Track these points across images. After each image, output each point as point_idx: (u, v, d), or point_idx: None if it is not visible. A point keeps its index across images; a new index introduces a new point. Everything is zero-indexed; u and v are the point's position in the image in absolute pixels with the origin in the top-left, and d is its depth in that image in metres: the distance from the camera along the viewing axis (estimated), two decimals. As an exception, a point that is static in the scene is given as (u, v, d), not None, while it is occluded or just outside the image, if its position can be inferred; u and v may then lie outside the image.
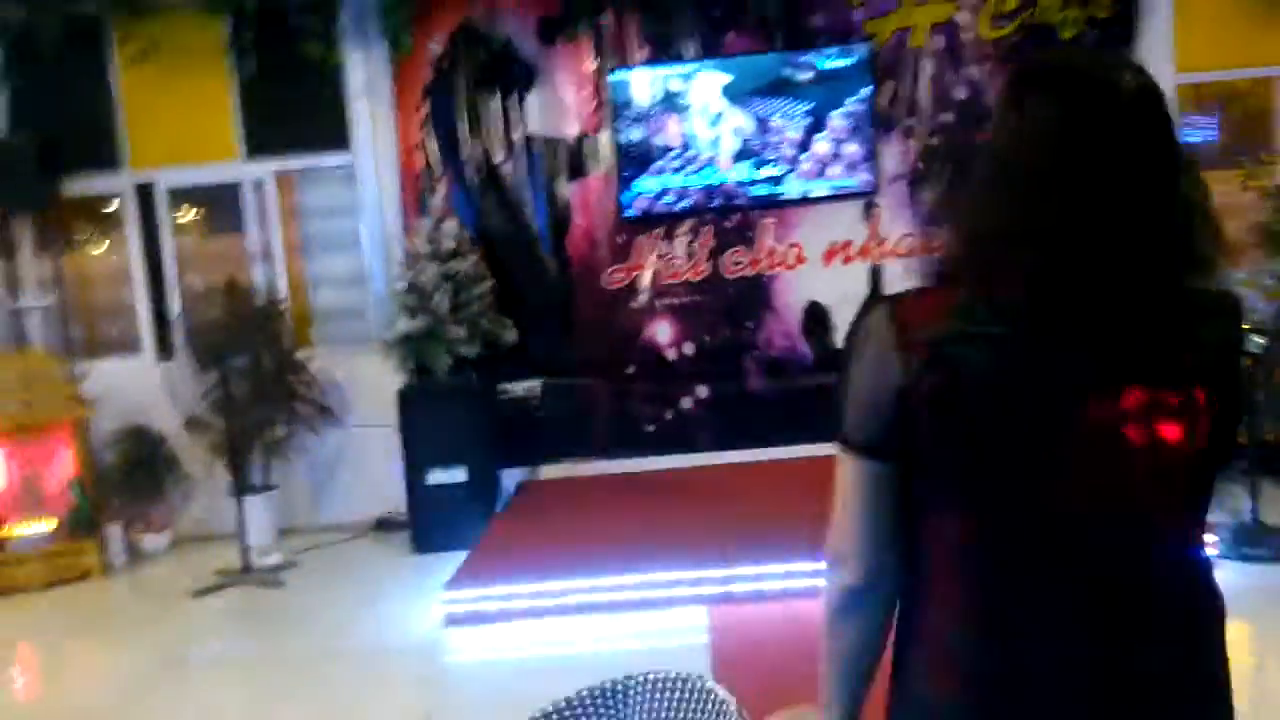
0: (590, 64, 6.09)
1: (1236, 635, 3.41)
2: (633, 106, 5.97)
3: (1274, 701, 3.33)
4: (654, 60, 6.03)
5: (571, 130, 6.12)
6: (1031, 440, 1.13)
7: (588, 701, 1.77)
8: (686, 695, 1.72)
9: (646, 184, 5.99)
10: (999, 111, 1.20)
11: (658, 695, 1.73)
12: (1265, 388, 4.82)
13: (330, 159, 6.20)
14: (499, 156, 6.10)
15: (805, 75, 5.89)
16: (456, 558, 4.91)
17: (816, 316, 6.07)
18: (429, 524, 5.54)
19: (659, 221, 6.08)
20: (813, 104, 5.90)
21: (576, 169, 6.12)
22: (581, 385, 6.12)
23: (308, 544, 5.79)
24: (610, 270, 6.13)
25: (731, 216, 6.07)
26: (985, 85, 5.98)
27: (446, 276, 5.62)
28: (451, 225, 5.80)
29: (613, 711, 1.76)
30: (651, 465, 6.04)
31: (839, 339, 6.06)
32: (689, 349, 6.13)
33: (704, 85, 5.95)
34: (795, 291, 6.09)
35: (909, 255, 6.03)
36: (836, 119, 5.91)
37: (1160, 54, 5.92)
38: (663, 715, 1.70)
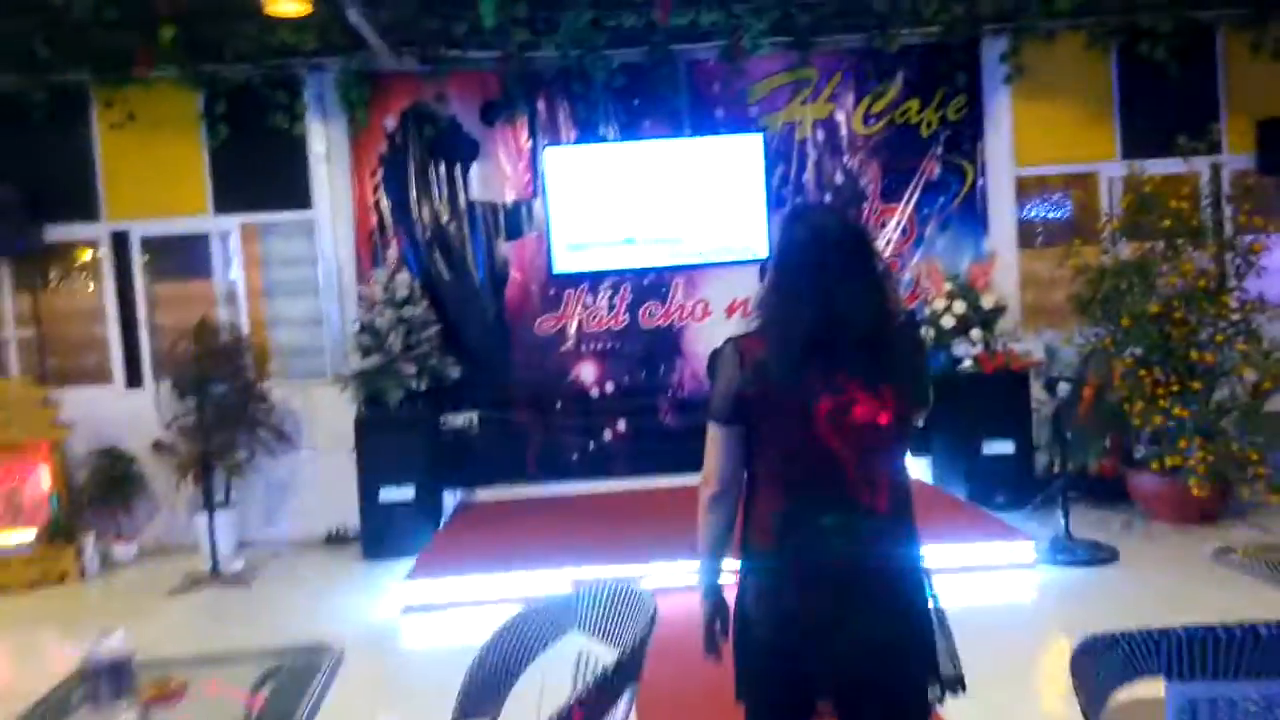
0: (526, 141, 7.05)
1: (1048, 623, 4.43)
2: (562, 177, 6.93)
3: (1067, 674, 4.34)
4: (581, 139, 7.02)
5: (509, 197, 7.06)
6: (802, 414, 2.11)
7: (548, 605, 2.65)
8: (619, 595, 2.61)
9: (575, 245, 6.94)
10: (779, 234, 2.23)
11: (600, 596, 2.62)
12: (1070, 427, 5.94)
13: (292, 215, 7.00)
14: (445, 218, 7.00)
15: (712, 159, 6.95)
16: (404, 564, 5.70)
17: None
18: (379, 536, 6.31)
19: (585, 278, 7.03)
20: (718, 183, 6.95)
21: (513, 230, 7.04)
22: (515, 418, 7.00)
23: (265, 555, 6.49)
24: (541, 318, 7.05)
25: (648, 275, 7.05)
26: (859, 171, 7.13)
27: (400, 320, 6.46)
28: (404, 276, 6.66)
29: (569, 610, 2.65)
30: (575, 489, 6.93)
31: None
32: (610, 388, 7.07)
33: (624, 161, 6.95)
34: (702, 340, 7.09)
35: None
36: (737, 196, 6.97)
37: (1003, 150, 7.17)
38: (603, 609, 2.59)
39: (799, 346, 2.10)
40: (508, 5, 6.12)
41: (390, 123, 6.98)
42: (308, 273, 7.08)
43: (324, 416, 6.86)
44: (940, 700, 2.19)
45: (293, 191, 6.97)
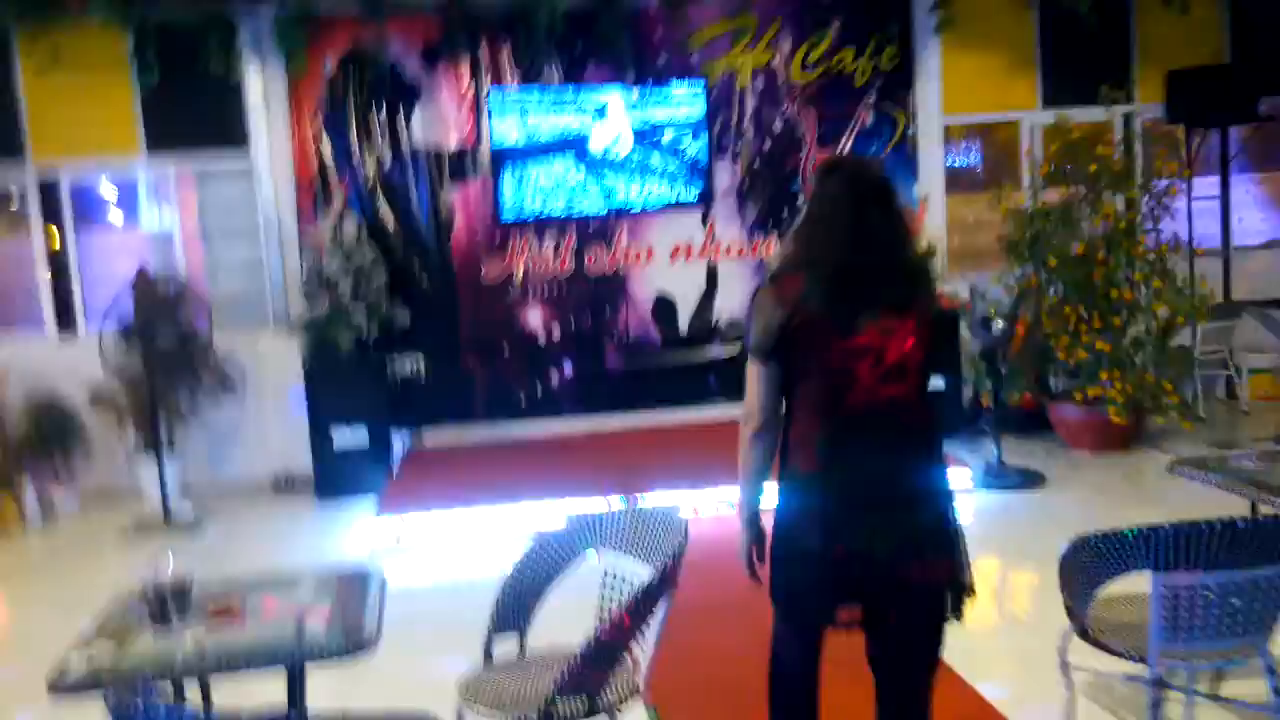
0: (469, 85, 7.02)
1: (990, 542, 4.72)
2: (506, 123, 6.93)
3: (1011, 588, 4.68)
4: (525, 84, 7.02)
5: (453, 142, 7.03)
6: (840, 345, 2.28)
7: (572, 527, 2.80)
8: (649, 516, 2.77)
9: (522, 190, 6.96)
10: (815, 185, 2.41)
11: (630, 517, 2.78)
12: (1004, 362, 6.28)
13: (229, 161, 6.85)
14: (388, 163, 6.94)
15: (655, 106, 7.04)
16: (359, 505, 5.80)
17: (664, 306, 7.23)
18: (332, 479, 6.35)
19: (530, 224, 7.07)
20: (661, 128, 7.05)
21: (458, 176, 7.02)
22: (463, 362, 7.04)
23: (212, 501, 6.42)
24: (488, 264, 7.08)
25: (592, 221, 7.13)
26: (796, 118, 7.30)
27: (348, 267, 6.42)
28: (352, 222, 6.62)
29: (600, 528, 2.80)
30: (524, 430, 7.03)
31: (683, 325, 7.26)
32: (556, 332, 7.16)
33: (569, 107, 6.99)
34: (646, 285, 7.23)
35: (738, 255, 7.29)
36: (680, 142, 7.08)
37: (932, 99, 7.43)
38: (633, 528, 2.74)
39: (837, 282, 2.28)
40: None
41: (329, 66, 6.87)
42: (246, 220, 6.95)
43: (268, 364, 6.80)
44: (959, 608, 2.40)
45: (230, 137, 6.82)
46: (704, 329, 7.29)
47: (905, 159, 7.44)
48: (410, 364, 6.87)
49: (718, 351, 7.30)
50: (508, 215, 7.02)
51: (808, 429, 2.34)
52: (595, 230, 7.18)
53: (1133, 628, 2.61)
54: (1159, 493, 5.53)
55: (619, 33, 7.06)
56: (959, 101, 7.46)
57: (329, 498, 6.31)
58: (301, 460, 6.58)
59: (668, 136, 7.08)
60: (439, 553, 5.19)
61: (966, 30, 7.30)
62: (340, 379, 6.42)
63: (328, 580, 2.62)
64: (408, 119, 6.98)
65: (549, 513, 5.38)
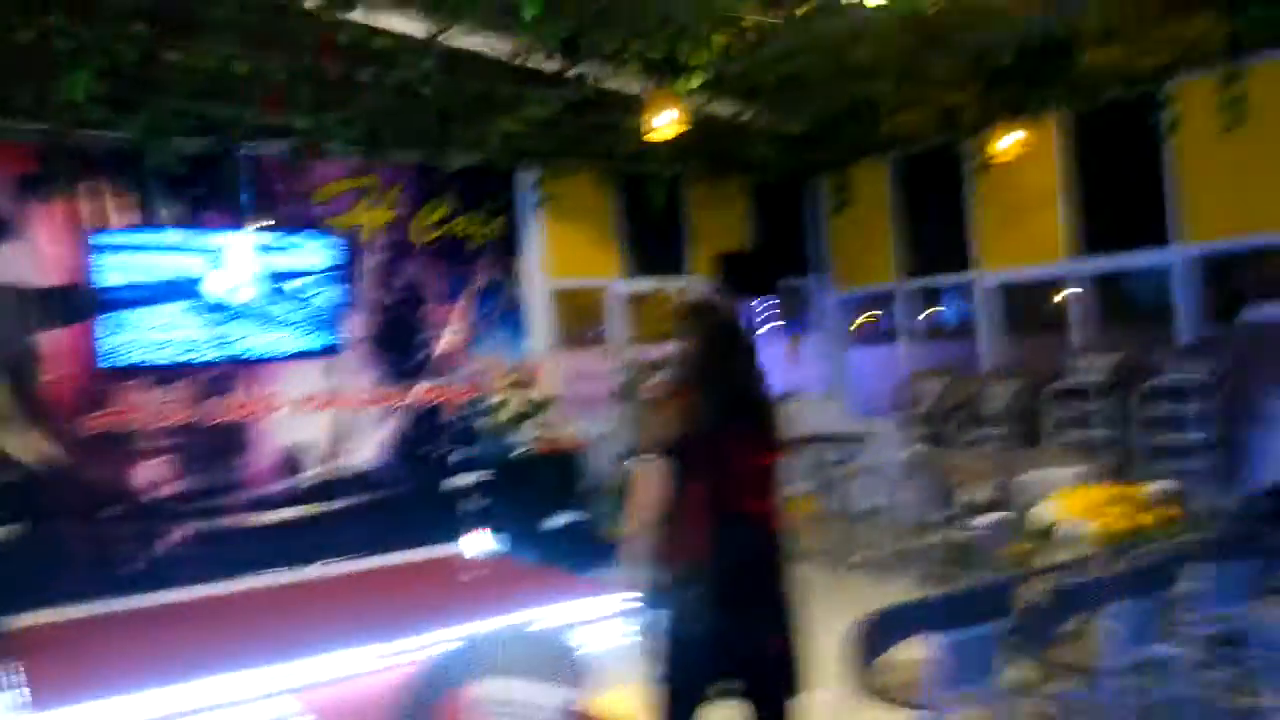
0: (72, 222, 6.39)
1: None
2: (114, 263, 6.40)
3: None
4: (137, 225, 6.56)
5: (51, 282, 6.30)
6: (725, 453, 2.80)
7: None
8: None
9: (128, 336, 6.42)
10: (690, 322, 2.99)
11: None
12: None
13: None
14: (-28, 304, 6.02)
15: (278, 254, 6.97)
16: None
17: (292, 457, 7.00)
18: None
19: (142, 371, 6.51)
20: (287, 277, 6.98)
21: (55, 318, 6.28)
22: (66, 527, 6.13)
23: None
24: (91, 415, 6.35)
25: (213, 369, 6.76)
26: (420, 276, 7.66)
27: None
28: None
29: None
30: (145, 601, 6.24)
31: (312, 476, 7.06)
32: (176, 488, 6.57)
33: (186, 251, 6.66)
34: (273, 436, 6.96)
35: (367, 404, 7.34)
36: (307, 291, 7.06)
37: (535, 265, 8.24)
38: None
39: (725, 403, 2.83)
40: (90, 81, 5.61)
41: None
42: None
43: None
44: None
45: None
46: (334, 479, 7.17)
47: (518, 316, 8.12)
48: (4, 535, 5.83)
49: (349, 502, 7.18)
50: (114, 362, 6.40)
51: (695, 523, 2.79)
52: (216, 379, 6.80)
53: (906, 684, 3.28)
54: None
55: (240, 180, 6.96)
56: (558, 267, 8.36)
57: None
58: None
59: (294, 285, 7.04)
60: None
61: (562, 206, 8.26)
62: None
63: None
64: (-2, 255, 6.15)
65: (210, 689, 4.90)
